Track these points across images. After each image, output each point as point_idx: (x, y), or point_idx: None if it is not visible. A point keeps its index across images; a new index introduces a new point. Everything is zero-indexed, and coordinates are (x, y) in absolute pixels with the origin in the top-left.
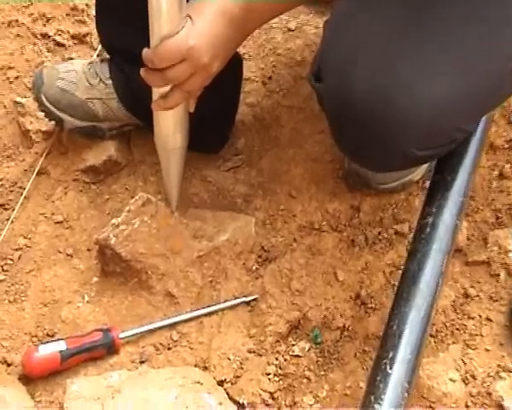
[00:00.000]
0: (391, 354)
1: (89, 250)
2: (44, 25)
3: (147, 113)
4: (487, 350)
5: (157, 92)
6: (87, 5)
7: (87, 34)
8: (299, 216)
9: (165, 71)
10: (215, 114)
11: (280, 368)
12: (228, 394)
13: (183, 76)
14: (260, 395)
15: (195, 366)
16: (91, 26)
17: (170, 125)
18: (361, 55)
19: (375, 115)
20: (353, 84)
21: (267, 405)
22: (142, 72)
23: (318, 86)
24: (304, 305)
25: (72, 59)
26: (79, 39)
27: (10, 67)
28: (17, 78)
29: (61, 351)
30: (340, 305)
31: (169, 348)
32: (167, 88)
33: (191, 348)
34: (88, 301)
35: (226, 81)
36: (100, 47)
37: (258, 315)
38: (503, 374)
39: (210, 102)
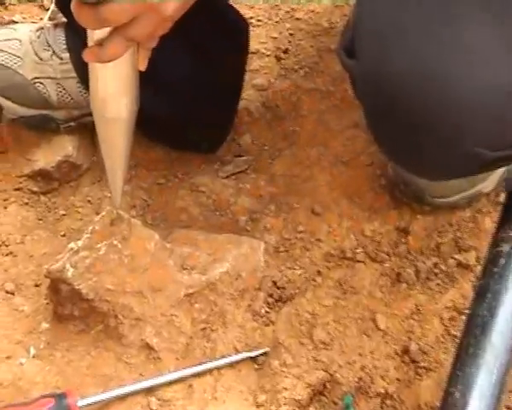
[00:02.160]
0: None
1: (37, 286)
2: None
3: None
4: None
5: (92, 37)
6: None
7: None
8: (326, 240)
9: (100, 7)
10: (210, 99)
11: None
12: None
13: (123, 16)
14: None
15: None
16: None
17: (110, 86)
18: (410, 22)
19: (429, 102)
20: (399, 62)
21: None
22: (73, 5)
23: (351, 64)
24: (331, 362)
25: (15, 23)
26: None
27: None
28: None
29: None
30: (380, 363)
31: None
32: (105, 32)
33: None
34: (34, 356)
35: (225, 55)
36: (53, 6)
37: (269, 376)
38: None
39: (203, 83)
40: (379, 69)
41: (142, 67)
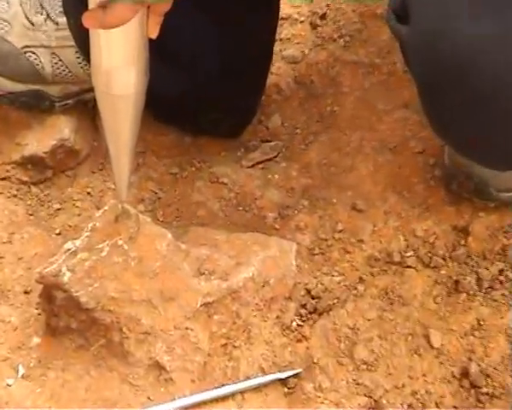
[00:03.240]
0: None
1: (26, 293)
2: None
3: None
4: None
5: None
6: None
7: None
8: (369, 242)
9: None
10: (234, 74)
11: None
12: None
13: None
14: None
15: None
16: None
17: (115, 56)
18: None
19: (497, 75)
20: (461, 29)
21: None
22: None
23: (403, 30)
24: (376, 386)
25: None
26: None
27: None
28: None
29: None
30: (434, 388)
31: None
32: None
33: None
34: (23, 376)
35: (252, 21)
36: None
37: (302, 402)
38: None
39: (225, 54)
40: (437, 37)
41: (153, 34)
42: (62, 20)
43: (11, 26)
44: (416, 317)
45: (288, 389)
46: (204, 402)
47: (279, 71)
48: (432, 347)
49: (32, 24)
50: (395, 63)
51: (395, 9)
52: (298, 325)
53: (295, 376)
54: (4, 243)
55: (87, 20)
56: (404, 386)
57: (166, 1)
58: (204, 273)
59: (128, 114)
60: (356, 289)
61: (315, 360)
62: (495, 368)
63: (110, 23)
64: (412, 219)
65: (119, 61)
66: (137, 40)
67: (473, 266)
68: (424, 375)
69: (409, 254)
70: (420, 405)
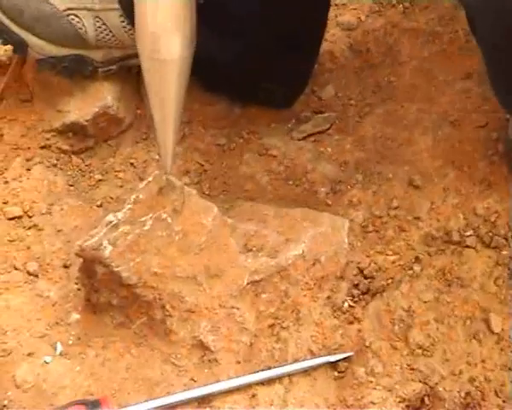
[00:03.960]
0: None
1: (65, 267)
2: None
3: None
4: None
5: None
6: None
7: None
8: (426, 220)
9: None
10: (286, 40)
11: None
12: None
13: None
14: None
15: None
16: None
17: (161, 20)
18: None
19: None
20: None
21: None
22: None
23: None
24: (431, 372)
25: None
26: None
27: None
28: None
29: None
30: (494, 375)
31: None
32: None
33: None
34: (62, 354)
35: None
36: None
37: (353, 387)
38: None
39: (277, 20)
40: None
41: None
42: None
43: None
44: (476, 300)
45: (339, 373)
46: (249, 385)
47: (333, 38)
48: (492, 332)
49: None
50: (457, 31)
51: None
52: (349, 305)
53: (346, 359)
54: (43, 214)
55: None
56: (461, 373)
57: None
58: (251, 250)
59: (174, 79)
60: (411, 269)
61: (367, 344)
62: None
63: None
64: (472, 197)
65: (165, 25)
66: (184, 3)
67: None
68: (483, 361)
69: (468, 233)
70: (478, 393)
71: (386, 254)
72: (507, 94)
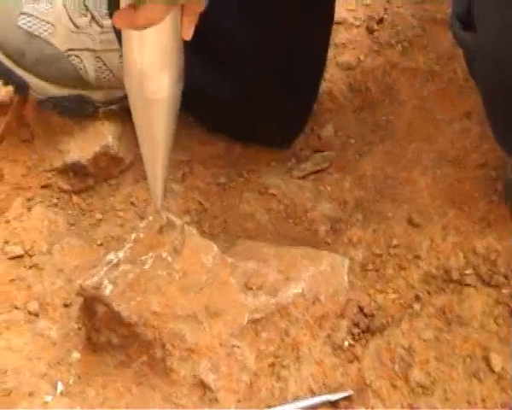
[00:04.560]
0: None
1: (66, 306)
2: None
3: None
4: None
5: None
6: None
7: None
8: (426, 258)
9: None
10: (285, 79)
11: None
12: None
13: None
14: None
15: None
16: None
17: (148, 59)
18: None
19: None
20: None
21: None
22: None
23: (468, 37)
24: None
25: None
26: None
27: None
28: None
29: None
30: None
31: None
32: None
33: None
34: (62, 393)
35: (305, 25)
36: None
37: None
38: None
39: (277, 59)
40: (507, 43)
41: (187, 35)
42: (107, 22)
43: (55, 28)
44: (476, 338)
45: None
46: None
47: (333, 78)
48: (492, 371)
49: (77, 26)
50: (456, 71)
51: (460, 16)
52: (350, 344)
53: (346, 398)
54: (44, 253)
55: (117, 20)
56: None
57: (198, 1)
58: (251, 288)
59: (162, 118)
60: (411, 307)
61: (367, 382)
62: None
63: (141, 24)
64: (472, 235)
65: (152, 64)
66: (171, 42)
67: None
68: (483, 400)
69: (468, 271)
70: None
71: (386, 293)
72: (505, 135)
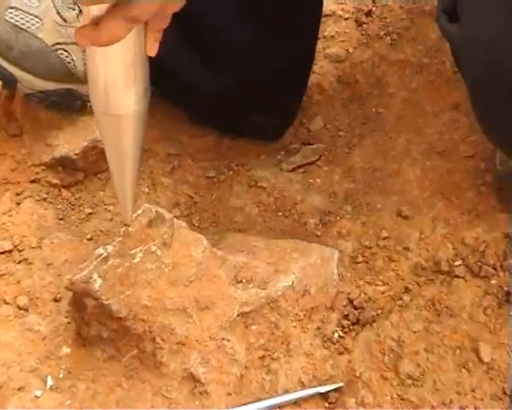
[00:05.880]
0: None
1: (56, 301)
2: None
3: (163, 69)
4: None
5: (87, 14)
6: None
7: None
8: (416, 250)
9: None
10: (274, 73)
11: None
12: None
13: None
14: None
15: None
16: None
17: (113, 74)
18: None
19: None
20: None
21: None
22: None
23: (454, 29)
24: (422, 402)
25: None
26: None
27: None
28: None
29: None
30: (484, 404)
31: None
32: (103, 9)
33: None
34: (52, 388)
35: (293, 18)
36: None
37: None
38: None
39: (265, 52)
40: (493, 36)
41: (152, 52)
42: None
43: (42, 22)
44: (465, 329)
45: (329, 403)
46: None
47: (322, 70)
48: (481, 361)
49: (64, 20)
50: (444, 63)
51: (445, 8)
52: (340, 336)
53: (337, 390)
54: (33, 248)
55: (79, 37)
56: (451, 402)
57: (163, 18)
58: (241, 281)
59: (128, 133)
60: (401, 299)
61: (357, 374)
62: None
63: (103, 40)
64: (461, 227)
65: (116, 81)
66: (136, 57)
67: None
68: (473, 391)
69: (457, 263)
70: None
71: (376, 285)
72: (490, 127)
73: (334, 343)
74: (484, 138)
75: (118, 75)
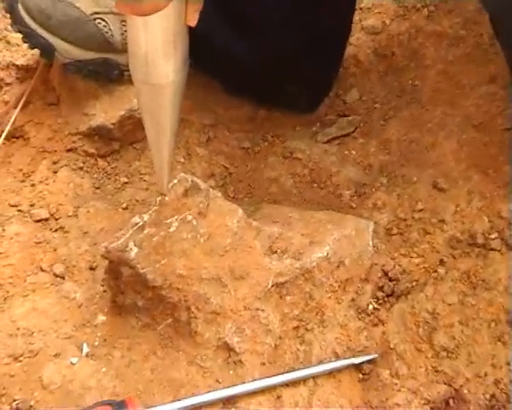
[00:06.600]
0: None
1: (91, 269)
2: None
3: (199, 40)
4: None
5: None
6: None
7: None
8: (451, 223)
9: None
10: (311, 44)
11: None
12: None
13: None
14: None
15: None
16: None
17: (154, 44)
18: None
19: None
20: None
21: None
22: None
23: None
24: (456, 374)
25: None
26: None
27: None
28: None
29: None
30: None
31: None
32: None
33: None
34: (88, 355)
35: None
36: None
37: (377, 389)
38: None
39: (303, 23)
40: None
41: (192, 22)
42: None
43: None
44: (500, 302)
45: (363, 375)
46: (274, 386)
47: (358, 42)
48: None
49: None
50: (481, 35)
51: None
52: (374, 308)
53: (370, 361)
54: (69, 216)
55: (120, 6)
56: (486, 375)
57: None
58: (276, 252)
59: (166, 103)
60: (436, 271)
61: (392, 346)
62: None
63: (144, 10)
64: (497, 200)
65: (157, 50)
66: (176, 28)
67: None
68: (508, 363)
69: (493, 236)
70: (503, 395)
71: (411, 257)
72: None
73: (369, 315)
74: None
75: (158, 45)
